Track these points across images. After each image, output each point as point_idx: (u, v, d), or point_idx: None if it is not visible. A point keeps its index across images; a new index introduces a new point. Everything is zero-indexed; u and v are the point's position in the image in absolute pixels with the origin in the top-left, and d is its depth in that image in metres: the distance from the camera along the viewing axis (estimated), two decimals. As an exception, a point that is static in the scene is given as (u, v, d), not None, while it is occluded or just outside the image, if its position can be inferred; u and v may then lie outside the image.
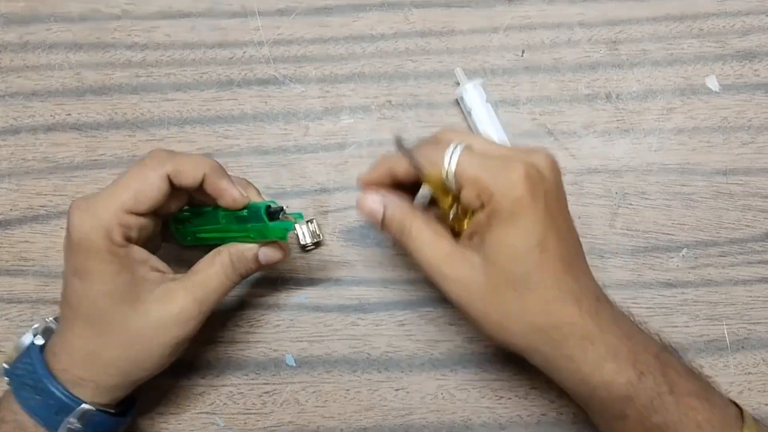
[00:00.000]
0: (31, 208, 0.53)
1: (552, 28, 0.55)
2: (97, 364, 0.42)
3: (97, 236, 0.40)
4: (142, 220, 0.42)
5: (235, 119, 0.54)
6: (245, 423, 0.50)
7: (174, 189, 0.42)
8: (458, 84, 0.53)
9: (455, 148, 0.39)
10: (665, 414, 0.38)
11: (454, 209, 0.41)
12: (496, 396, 0.50)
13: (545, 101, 0.54)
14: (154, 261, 0.43)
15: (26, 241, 0.53)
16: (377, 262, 0.52)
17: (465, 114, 0.53)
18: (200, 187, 0.42)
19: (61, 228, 0.53)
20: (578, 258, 0.40)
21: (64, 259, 0.42)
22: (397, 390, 0.50)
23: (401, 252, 0.52)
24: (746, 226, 0.52)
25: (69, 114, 0.54)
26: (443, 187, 0.40)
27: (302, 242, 0.52)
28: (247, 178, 0.53)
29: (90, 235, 0.40)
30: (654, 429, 0.38)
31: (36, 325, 0.45)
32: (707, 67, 0.54)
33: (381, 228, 0.42)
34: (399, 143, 0.40)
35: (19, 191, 0.54)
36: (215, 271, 0.43)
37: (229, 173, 0.44)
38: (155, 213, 0.43)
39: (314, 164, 0.53)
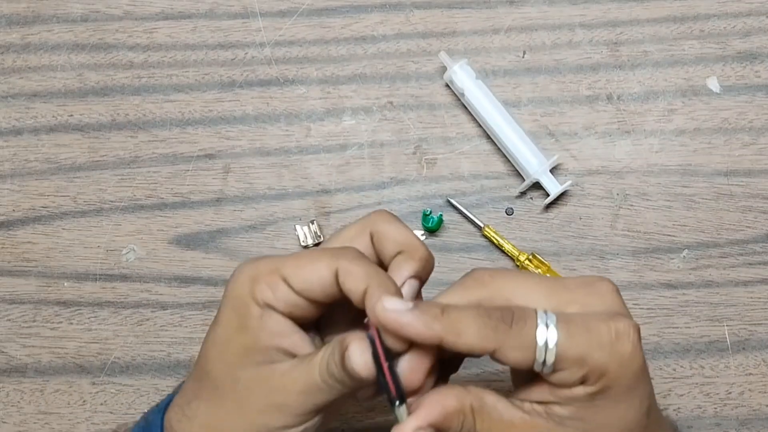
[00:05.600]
0: (34, 209, 0.53)
1: (553, 30, 0.55)
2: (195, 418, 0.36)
3: (242, 286, 0.35)
4: (296, 299, 0.34)
5: (237, 120, 0.54)
6: (247, 423, 0.50)
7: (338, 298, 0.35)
8: (445, 69, 0.53)
9: (546, 322, 0.31)
10: None
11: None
12: (497, 397, 0.50)
13: (546, 102, 0.54)
14: (294, 341, 0.35)
15: (28, 242, 0.53)
16: (379, 263, 0.52)
17: (458, 96, 0.53)
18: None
19: (63, 228, 0.53)
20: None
21: None
22: (398, 391, 0.50)
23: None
24: (747, 227, 0.52)
25: (71, 115, 0.55)
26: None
27: (303, 243, 0.52)
28: (249, 179, 0.53)
29: (239, 282, 0.35)
30: None
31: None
32: (708, 69, 0.54)
33: None
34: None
35: (22, 192, 0.54)
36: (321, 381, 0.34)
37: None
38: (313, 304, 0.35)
39: (316, 165, 0.53)
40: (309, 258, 0.35)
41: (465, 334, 0.31)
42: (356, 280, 0.33)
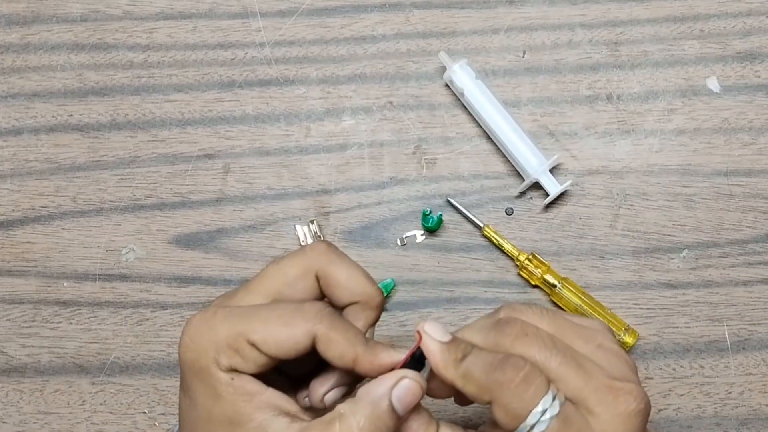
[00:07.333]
0: (33, 209, 0.53)
1: (553, 29, 0.55)
2: None
3: (204, 355, 0.33)
4: (267, 360, 0.33)
5: (237, 120, 0.54)
6: (247, 423, 0.50)
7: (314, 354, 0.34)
8: (444, 69, 0.53)
9: (550, 407, 0.31)
10: None
11: None
12: (497, 397, 0.50)
13: (546, 102, 0.54)
14: (269, 397, 0.33)
15: (28, 242, 0.53)
16: (378, 263, 0.52)
17: (458, 95, 0.53)
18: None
19: (63, 228, 0.53)
20: None
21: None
22: (398, 391, 0.50)
23: (402, 254, 0.52)
24: (747, 227, 0.52)
25: (71, 115, 0.55)
26: None
27: (303, 243, 0.52)
28: (249, 179, 0.53)
29: (200, 351, 0.33)
30: None
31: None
32: (708, 68, 0.54)
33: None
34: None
35: (21, 192, 0.54)
36: None
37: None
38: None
39: (316, 165, 0.53)
40: (280, 321, 0.33)
41: (470, 385, 0.32)
42: (340, 349, 0.33)
